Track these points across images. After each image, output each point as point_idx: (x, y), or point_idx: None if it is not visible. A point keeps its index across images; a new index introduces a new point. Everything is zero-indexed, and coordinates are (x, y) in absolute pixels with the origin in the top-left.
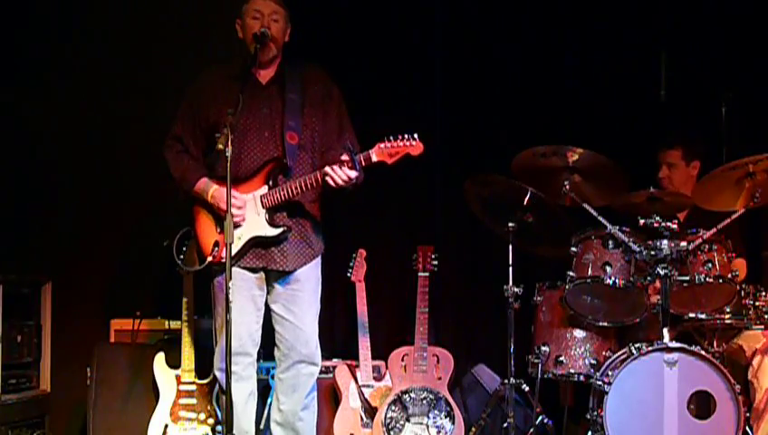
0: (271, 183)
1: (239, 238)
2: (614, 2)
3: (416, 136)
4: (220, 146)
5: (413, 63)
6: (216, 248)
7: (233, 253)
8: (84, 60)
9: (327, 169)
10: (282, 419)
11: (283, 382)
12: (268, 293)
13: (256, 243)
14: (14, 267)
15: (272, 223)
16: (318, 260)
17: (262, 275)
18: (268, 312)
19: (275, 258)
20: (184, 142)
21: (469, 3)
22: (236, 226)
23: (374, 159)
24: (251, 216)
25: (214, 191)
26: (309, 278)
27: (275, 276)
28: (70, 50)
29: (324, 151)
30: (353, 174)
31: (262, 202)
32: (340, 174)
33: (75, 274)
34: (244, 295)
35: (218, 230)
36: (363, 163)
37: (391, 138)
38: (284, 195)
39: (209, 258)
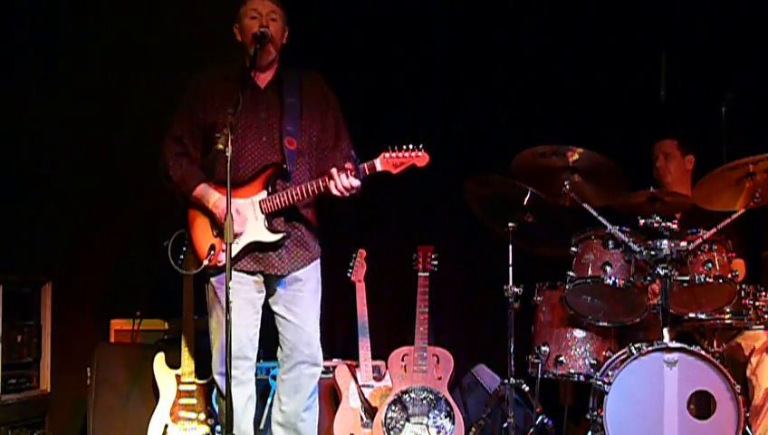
0: (270, 189)
1: (237, 243)
2: (614, 1)
3: (421, 147)
4: (220, 146)
5: (413, 63)
6: (212, 252)
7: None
8: (84, 60)
9: (332, 176)
10: (283, 419)
11: (286, 383)
12: (269, 295)
13: (254, 248)
14: (14, 267)
15: (271, 229)
16: (317, 262)
17: (260, 277)
18: (269, 313)
19: (273, 263)
20: (183, 143)
21: (469, 3)
22: (235, 235)
23: (379, 168)
24: (249, 221)
25: (215, 201)
26: (309, 279)
27: (275, 280)
28: (70, 50)
29: (321, 157)
30: (357, 183)
31: (261, 207)
32: (344, 182)
33: (75, 274)
34: (242, 298)
35: (214, 233)
36: (367, 172)
37: (396, 148)
38: (285, 201)
39: (205, 262)
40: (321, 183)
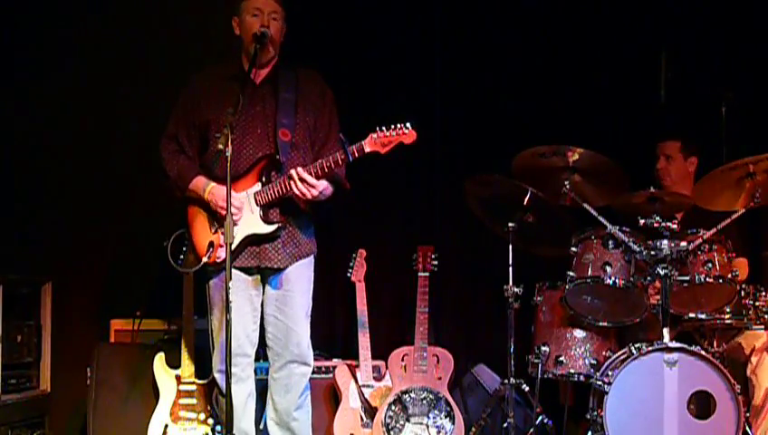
0: (264, 180)
1: (234, 236)
2: (614, 2)
3: (408, 124)
4: (220, 146)
5: (413, 63)
6: (211, 249)
7: None
8: (84, 60)
9: (291, 171)
10: (277, 418)
11: (277, 382)
12: (262, 293)
13: (251, 241)
14: (14, 267)
15: (266, 220)
16: (310, 259)
17: (257, 275)
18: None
19: (269, 256)
20: (179, 142)
21: (469, 2)
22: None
23: (367, 149)
24: (245, 214)
25: (211, 189)
26: (300, 278)
27: (269, 275)
28: (69, 49)
29: (317, 151)
30: (315, 182)
31: (256, 199)
32: (302, 176)
33: (75, 274)
34: (240, 296)
35: (213, 230)
36: (356, 155)
37: (383, 127)
38: (278, 191)
39: (204, 259)
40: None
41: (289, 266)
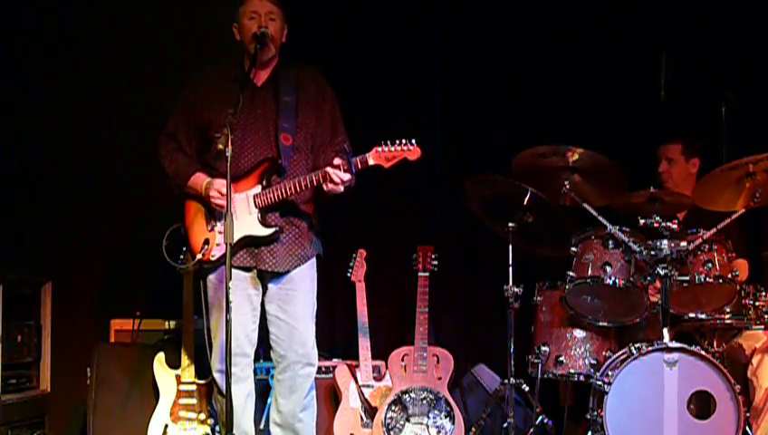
0: (264, 183)
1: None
2: (614, 2)
3: (413, 141)
4: (220, 146)
5: (413, 63)
6: (206, 246)
7: (223, 251)
8: (83, 60)
9: (328, 169)
10: (281, 420)
11: (281, 384)
12: (263, 293)
13: (248, 242)
14: (14, 267)
15: (264, 223)
16: (313, 261)
17: (255, 273)
18: (264, 312)
19: (265, 259)
20: (178, 140)
21: (469, 3)
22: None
23: (371, 162)
24: (243, 215)
25: (207, 184)
26: (303, 278)
27: (269, 277)
28: (69, 50)
29: (317, 152)
30: (347, 177)
31: (255, 202)
32: (335, 177)
33: (75, 274)
34: (239, 295)
35: (209, 228)
36: (359, 166)
37: (389, 142)
38: (278, 195)
39: (199, 256)
40: (313, 177)
41: (291, 269)
